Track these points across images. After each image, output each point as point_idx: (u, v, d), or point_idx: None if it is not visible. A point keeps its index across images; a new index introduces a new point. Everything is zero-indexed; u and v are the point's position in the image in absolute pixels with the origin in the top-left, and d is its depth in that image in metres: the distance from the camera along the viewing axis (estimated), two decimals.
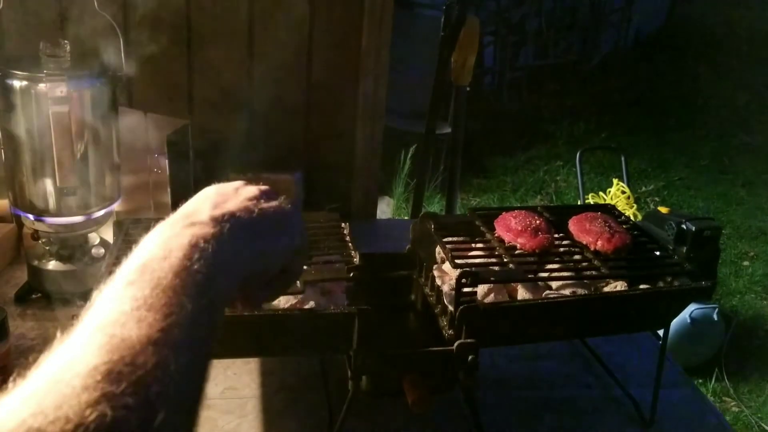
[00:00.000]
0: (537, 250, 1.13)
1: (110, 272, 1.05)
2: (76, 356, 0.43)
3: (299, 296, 1.02)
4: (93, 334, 0.45)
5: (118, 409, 0.39)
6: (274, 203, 0.67)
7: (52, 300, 1.46)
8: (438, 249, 1.19)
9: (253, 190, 0.67)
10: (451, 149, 2.40)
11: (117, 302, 0.47)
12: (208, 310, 0.50)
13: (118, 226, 1.20)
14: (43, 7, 1.72)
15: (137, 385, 0.41)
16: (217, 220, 0.57)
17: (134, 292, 0.48)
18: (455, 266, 1.06)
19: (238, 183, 0.68)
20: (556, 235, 1.19)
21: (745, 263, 4.38)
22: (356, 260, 1.09)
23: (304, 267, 0.76)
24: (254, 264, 0.61)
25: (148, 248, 0.53)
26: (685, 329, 3.13)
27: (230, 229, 0.57)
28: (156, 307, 0.47)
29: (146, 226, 1.18)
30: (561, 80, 7.05)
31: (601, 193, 3.93)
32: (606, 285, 1.14)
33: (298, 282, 0.97)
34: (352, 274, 1.05)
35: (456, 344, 1.01)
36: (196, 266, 0.51)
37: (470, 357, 1.01)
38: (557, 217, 1.25)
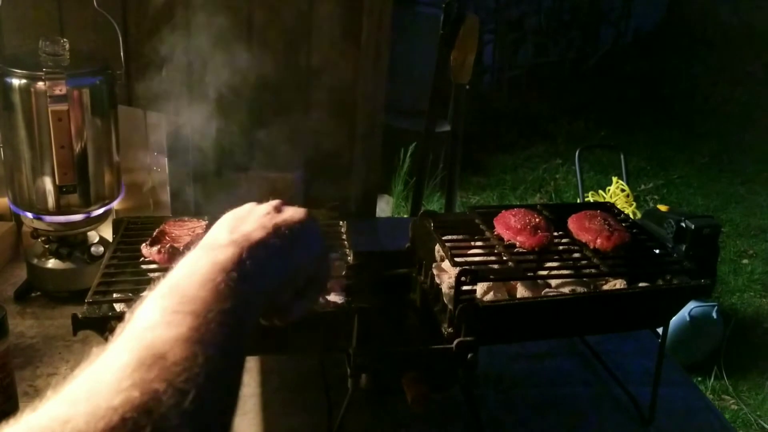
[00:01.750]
0: (536, 248, 1.13)
1: (109, 270, 1.05)
2: (109, 357, 0.47)
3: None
4: (126, 340, 0.49)
5: (148, 392, 0.43)
6: (286, 215, 0.69)
7: (52, 298, 1.46)
8: (437, 247, 1.19)
9: (264, 207, 0.69)
10: (451, 147, 2.40)
11: (148, 314, 0.51)
12: (234, 314, 0.54)
13: (118, 225, 1.20)
14: (42, 5, 1.72)
15: (167, 373, 0.45)
16: (235, 242, 0.61)
17: (163, 303, 0.52)
18: (454, 264, 1.06)
19: (251, 204, 0.71)
20: (555, 234, 1.19)
21: (745, 261, 4.39)
22: (350, 259, 1.09)
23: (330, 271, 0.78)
24: (278, 275, 0.64)
25: (174, 273, 0.57)
26: (685, 327, 3.13)
27: (249, 247, 0.61)
28: (183, 312, 0.51)
29: (146, 224, 1.18)
30: (560, 78, 7.05)
31: (600, 192, 3.93)
32: (605, 283, 1.14)
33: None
34: (346, 273, 1.05)
35: (455, 342, 1.01)
36: (219, 279, 0.55)
37: (469, 355, 1.01)
38: (556, 215, 1.25)
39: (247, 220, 0.66)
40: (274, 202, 0.71)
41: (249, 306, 0.57)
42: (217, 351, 0.49)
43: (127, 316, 0.53)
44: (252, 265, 0.59)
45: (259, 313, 0.62)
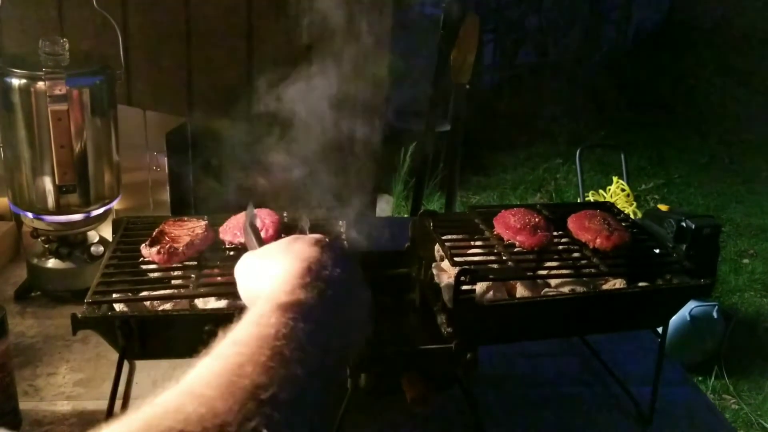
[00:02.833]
0: (536, 248, 1.13)
1: (108, 270, 1.05)
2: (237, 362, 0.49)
3: None
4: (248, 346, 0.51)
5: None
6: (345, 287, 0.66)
7: (52, 298, 1.46)
8: (437, 247, 1.19)
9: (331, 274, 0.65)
10: (451, 147, 2.40)
11: (228, 357, 0.51)
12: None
13: (117, 224, 1.20)
14: (42, 5, 1.72)
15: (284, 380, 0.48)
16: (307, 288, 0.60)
17: (241, 351, 0.51)
18: (454, 264, 1.06)
19: (317, 263, 0.66)
20: (555, 233, 1.19)
21: (745, 261, 4.38)
22: None
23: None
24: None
25: (245, 330, 0.55)
26: (685, 327, 3.13)
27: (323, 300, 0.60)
28: (266, 362, 0.51)
29: (145, 224, 1.18)
30: (561, 78, 7.04)
31: (600, 191, 3.93)
32: (605, 283, 1.13)
33: None
34: None
35: (455, 342, 1.01)
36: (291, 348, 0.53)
37: (469, 355, 1.01)
38: (556, 214, 1.25)
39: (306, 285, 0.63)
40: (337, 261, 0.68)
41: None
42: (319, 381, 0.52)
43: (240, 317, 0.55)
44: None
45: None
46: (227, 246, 1.13)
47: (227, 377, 0.47)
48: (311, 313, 0.57)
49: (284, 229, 1.16)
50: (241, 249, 1.09)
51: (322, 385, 0.54)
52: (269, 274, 0.65)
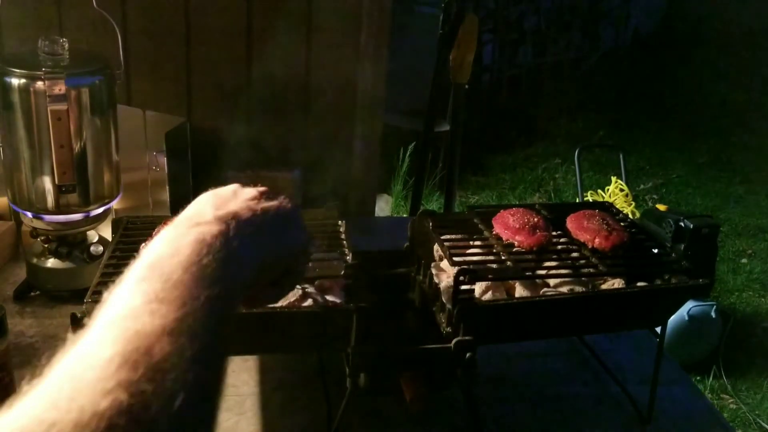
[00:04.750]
0: (535, 248, 1.13)
1: (108, 269, 1.05)
2: (90, 351, 0.43)
3: (297, 294, 1.02)
4: (106, 328, 0.45)
5: (136, 395, 0.39)
6: (274, 203, 0.66)
7: (51, 297, 1.46)
8: (436, 246, 1.19)
9: (251, 191, 0.66)
10: (450, 147, 2.40)
11: (128, 298, 0.48)
12: (220, 300, 0.50)
13: (117, 224, 1.20)
14: (41, 4, 1.72)
15: (154, 372, 0.41)
16: (222, 219, 0.57)
17: (145, 287, 0.48)
18: (453, 264, 1.06)
19: (235, 186, 0.67)
20: (554, 233, 1.19)
21: (743, 260, 4.39)
22: (349, 258, 1.10)
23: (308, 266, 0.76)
24: (260, 261, 0.61)
25: (155, 249, 0.53)
26: (683, 326, 3.14)
27: (235, 227, 0.57)
28: (168, 300, 0.47)
29: (145, 223, 1.18)
30: (559, 78, 7.05)
31: (599, 191, 3.94)
32: (604, 282, 1.14)
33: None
34: (345, 272, 1.05)
35: (454, 342, 1.01)
36: (204, 261, 0.52)
37: (468, 354, 1.02)
38: (555, 214, 1.25)
39: (233, 201, 0.62)
40: (262, 189, 0.68)
41: (234, 291, 0.54)
42: (204, 344, 0.46)
43: (104, 296, 0.49)
44: (239, 246, 0.56)
45: (241, 300, 0.58)
46: None
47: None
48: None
49: None
50: None
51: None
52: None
